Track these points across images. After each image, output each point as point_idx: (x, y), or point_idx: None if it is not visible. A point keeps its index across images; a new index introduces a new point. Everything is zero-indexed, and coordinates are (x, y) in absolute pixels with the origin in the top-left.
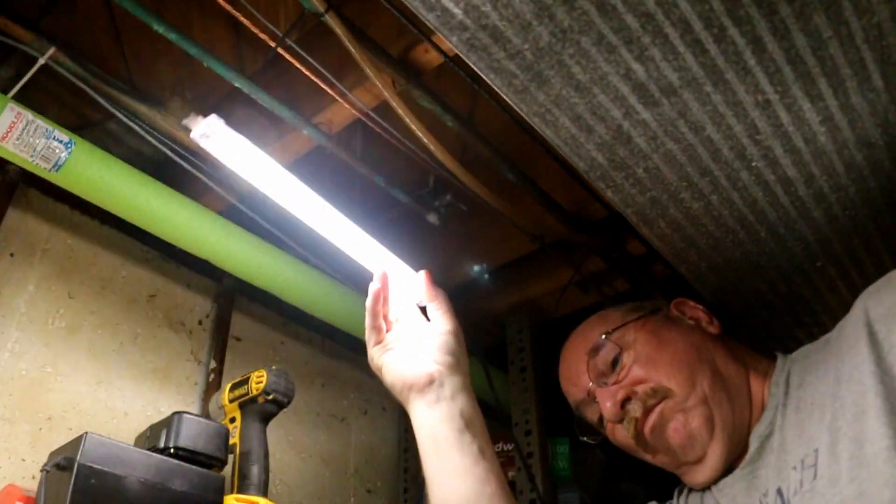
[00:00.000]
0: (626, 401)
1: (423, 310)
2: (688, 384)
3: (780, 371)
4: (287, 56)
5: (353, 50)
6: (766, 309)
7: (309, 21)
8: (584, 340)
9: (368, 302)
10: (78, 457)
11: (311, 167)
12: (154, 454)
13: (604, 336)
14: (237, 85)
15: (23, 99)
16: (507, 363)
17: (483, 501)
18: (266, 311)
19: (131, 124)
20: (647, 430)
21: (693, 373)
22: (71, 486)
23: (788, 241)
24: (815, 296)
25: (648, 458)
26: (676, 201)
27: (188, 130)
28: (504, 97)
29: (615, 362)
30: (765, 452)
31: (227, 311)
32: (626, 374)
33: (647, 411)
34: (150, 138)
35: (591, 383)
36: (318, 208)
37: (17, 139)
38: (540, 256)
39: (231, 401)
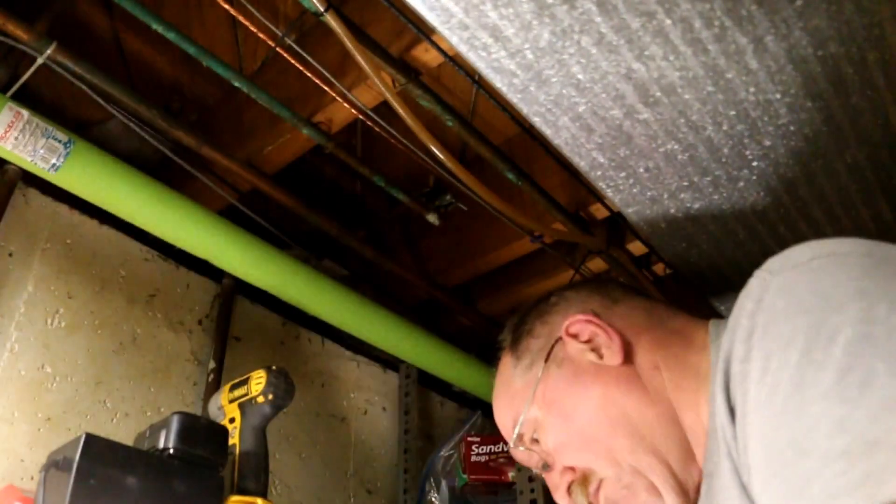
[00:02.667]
0: (569, 487)
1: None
2: (611, 463)
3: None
4: (286, 55)
5: (352, 49)
6: None
7: (308, 20)
8: (500, 424)
9: None
10: (77, 457)
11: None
12: (153, 454)
13: (515, 431)
14: (237, 85)
15: (22, 98)
16: None
17: None
18: (266, 311)
19: (131, 124)
20: None
21: (610, 449)
22: (70, 487)
23: (789, 240)
24: None
25: None
26: (677, 201)
27: None
28: (504, 96)
29: (539, 440)
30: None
31: (227, 311)
32: (554, 459)
33: (594, 494)
34: (149, 138)
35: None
36: None
37: (16, 139)
38: (540, 256)
39: (231, 401)
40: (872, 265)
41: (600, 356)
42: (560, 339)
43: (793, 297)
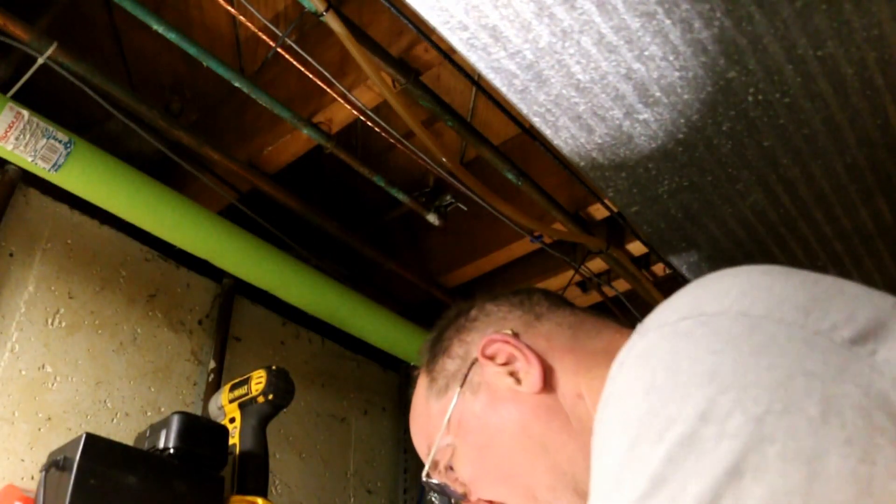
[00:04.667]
0: None
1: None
2: (529, 500)
3: None
4: (287, 56)
5: (352, 49)
6: None
7: (308, 20)
8: (417, 449)
9: None
10: (77, 457)
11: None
12: (153, 454)
13: (429, 459)
14: (237, 85)
15: (22, 98)
16: None
17: None
18: (266, 311)
19: (131, 124)
20: None
21: (529, 486)
22: (70, 487)
23: (789, 240)
24: None
25: None
26: (677, 201)
27: None
28: (504, 96)
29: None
30: None
31: (227, 311)
32: (470, 490)
33: None
34: (150, 138)
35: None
36: None
37: (17, 139)
38: (540, 256)
39: (231, 401)
40: (743, 330)
41: (518, 381)
42: (476, 360)
43: (644, 371)
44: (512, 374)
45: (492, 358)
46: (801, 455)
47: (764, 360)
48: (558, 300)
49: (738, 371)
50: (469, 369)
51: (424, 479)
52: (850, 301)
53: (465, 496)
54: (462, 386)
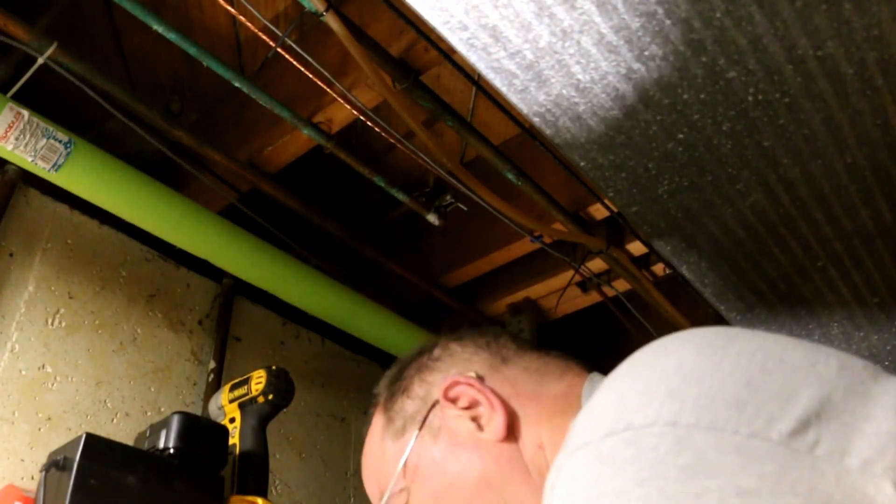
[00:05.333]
0: None
1: None
2: None
3: None
4: (287, 56)
5: (352, 49)
6: (766, 309)
7: (308, 21)
8: (368, 491)
9: None
10: (77, 457)
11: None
12: (153, 454)
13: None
14: (237, 85)
15: (22, 98)
16: None
17: None
18: (266, 311)
19: (131, 124)
20: None
21: None
22: (70, 487)
23: (789, 240)
24: (816, 296)
25: None
26: (677, 201)
27: None
28: (504, 96)
29: None
30: None
31: (227, 311)
32: None
33: None
34: (150, 138)
35: None
36: None
37: (17, 139)
38: (540, 256)
39: (231, 401)
40: (671, 449)
41: (481, 427)
42: (437, 402)
43: (570, 501)
44: (474, 419)
45: (454, 401)
46: None
47: (693, 485)
48: (525, 343)
49: (662, 499)
50: (429, 411)
51: None
52: (790, 379)
53: None
54: (421, 428)
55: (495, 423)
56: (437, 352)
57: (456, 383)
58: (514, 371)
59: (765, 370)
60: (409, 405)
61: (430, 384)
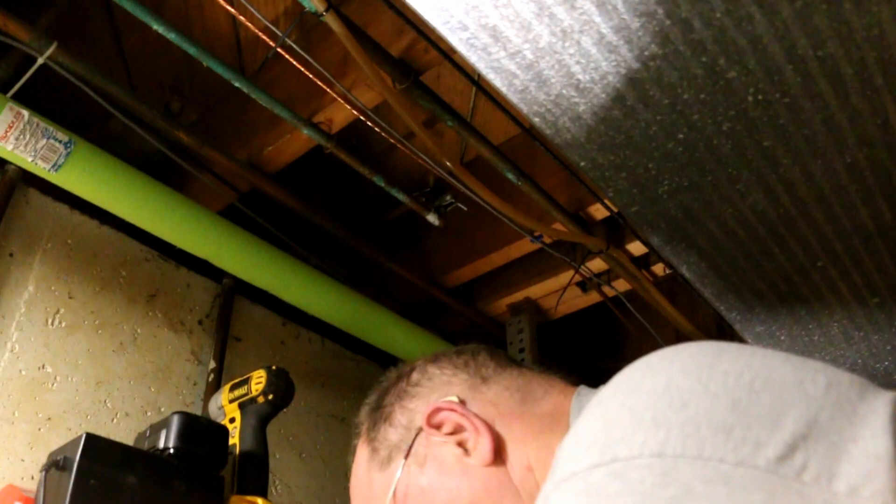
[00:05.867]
0: None
1: None
2: None
3: None
4: (287, 56)
5: (352, 49)
6: (766, 309)
7: (308, 20)
8: None
9: None
10: (77, 457)
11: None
12: (153, 454)
13: None
14: (237, 85)
15: (22, 98)
16: None
17: None
18: (266, 311)
19: (131, 124)
20: None
21: None
22: (70, 487)
23: (789, 240)
24: (816, 296)
25: None
26: (677, 201)
27: None
28: (504, 96)
29: None
30: None
31: (227, 311)
32: None
33: None
34: (150, 138)
35: None
36: None
37: (17, 139)
38: (540, 256)
39: (231, 401)
40: (658, 481)
41: (467, 452)
42: (421, 430)
43: None
44: (460, 444)
45: (438, 427)
46: None
47: None
48: (504, 359)
49: None
50: (414, 440)
51: None
52: (777, 400)
53: None
54: (407, 458)
55: (481, 447)
56: (415, 376)
57: (438, 410)
58: (495, 391)
59: (752, 391)
60: (392, 434)
61: (411, 411)
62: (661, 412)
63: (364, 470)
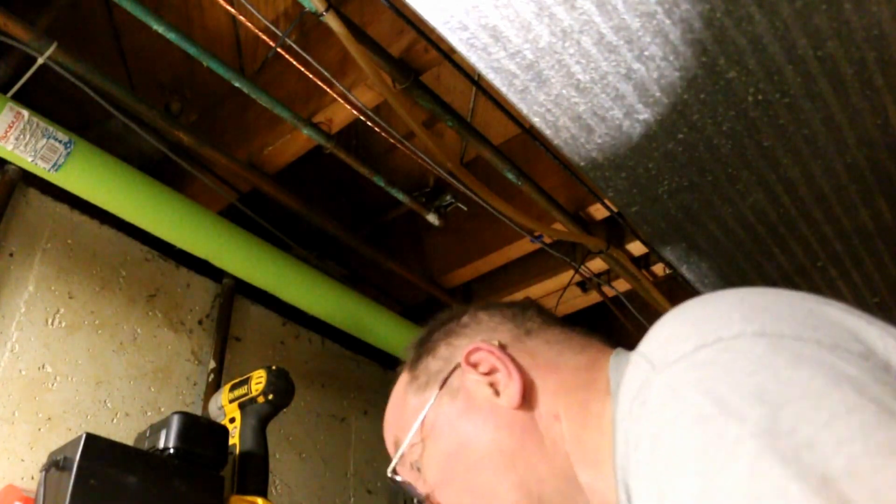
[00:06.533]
0: None
1: None
2: None
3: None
4: (287, 56)
5: (352, 49)
6: None
7: (308, 20)
8: (387, 442)
9: None
10: (77, 457)
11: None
12: (153, 454)
13: (398, 454)
14: (237, 85)
15: (22, 98)
16: None
17: None
18: (266, 311)
19: (131, 124)
20: None
21: (492, 501)
22: (70, 487)
23: (789, 240)
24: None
25: None
26: (677, 201)
27: None
28: (504, 96)
29: (421, 469)
30: None
31: (227, 311)
32: (433, 493)
33: None
34: (150, 138)
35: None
36: None
37: (17, 139)
38: (540, 256)
39: (231, 401)
40: (768, 349)
41: (497, 393)
42: (459, 365)
43: (682, 405)
44: (492, 384)
45: (475, 365)
46: (885, 447)
47: (801, 372)
48: (551, 318)
49: (782, 387)
50: (451, 373)
51: (390, 474)
52: (841, 321)
53: (427, 498)
54: (441, 388)
55: (511, 389)
56: (465, 319)
57: (478, 349)
58: (535, 343)
59: (813, 314)
60: (433, 364)
61: (455, 347)
62: (746, 311)
63: (401, 393)
